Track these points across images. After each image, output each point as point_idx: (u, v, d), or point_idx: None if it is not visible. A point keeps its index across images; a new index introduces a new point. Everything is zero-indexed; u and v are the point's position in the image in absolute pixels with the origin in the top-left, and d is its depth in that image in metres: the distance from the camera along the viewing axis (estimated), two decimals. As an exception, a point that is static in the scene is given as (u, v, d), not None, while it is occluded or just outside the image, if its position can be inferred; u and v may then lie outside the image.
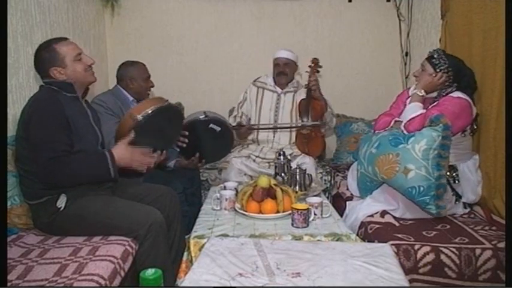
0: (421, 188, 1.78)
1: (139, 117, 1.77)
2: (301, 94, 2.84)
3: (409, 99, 2.13)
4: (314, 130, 2.75)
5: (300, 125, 2.76)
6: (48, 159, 1.57)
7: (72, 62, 1.71)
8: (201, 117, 2.42)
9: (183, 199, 2.26)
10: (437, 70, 2.02)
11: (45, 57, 1.69)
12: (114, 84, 2.55)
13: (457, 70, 2.02)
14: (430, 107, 2.01)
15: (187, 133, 2.27)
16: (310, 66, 2.75)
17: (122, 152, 1.72)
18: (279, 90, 2.91)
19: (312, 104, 2.73)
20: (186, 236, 1.89)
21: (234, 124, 2.78)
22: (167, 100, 1.93)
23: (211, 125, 2.43)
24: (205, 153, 2.50)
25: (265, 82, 2.95)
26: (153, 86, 2.53)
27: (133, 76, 2.44)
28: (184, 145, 2.28)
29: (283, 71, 2.85)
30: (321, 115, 2.74)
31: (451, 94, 2.00)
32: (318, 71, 2.76)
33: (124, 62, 2.53)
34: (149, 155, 1.86)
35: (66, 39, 1.77)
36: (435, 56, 2.05)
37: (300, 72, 3.05)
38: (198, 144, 2.41)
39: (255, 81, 2.99)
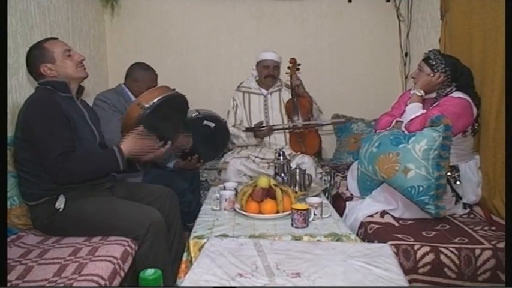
0: (421, 188, 1.77)
1: (147, 105, 1.77)
2: (286, 91, 2.87)
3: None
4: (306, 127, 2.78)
5: (309, 123, 2.77)
6: (56, 157, 1.57)
7: (62, 58, 1.72)
8: (193, 115, 2.39)
9: (184, 199, 2.25)
10: (435, 70, 2.02)
11: (35, 54, 1.71)
12: (114, 84, 2.56)
13: (454, 69, 2.02)
14: (430, 107, 2.00)
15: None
16: (289, 67, 2.80)
17: (130, 144, 1.73)
18: (264, 91, 2.91)
19: (299, 101, 2.77)
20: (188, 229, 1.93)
21: (252, 126, 2.77)
22: (174, 89, 1.93)
23: (205, 122, 2.42)
24: (202, 153, 2.48)
25: (250, 86, 2.94)
26: None
27: (139, 79, 2.46)
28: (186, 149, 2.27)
29: (273, 74, 2.86)
30: (310, 110, 2.79)
31: (451, 94, 2.00)
32: (297, 69, 2.81)
33: (140, 62, 2.54)
34: (156, 141, 1.85)
35: (55, 38, 1.80)
36: (432, 56, 2.05)
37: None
38: (194, 144, 2.39)
39: (238, 87, 2.98)
